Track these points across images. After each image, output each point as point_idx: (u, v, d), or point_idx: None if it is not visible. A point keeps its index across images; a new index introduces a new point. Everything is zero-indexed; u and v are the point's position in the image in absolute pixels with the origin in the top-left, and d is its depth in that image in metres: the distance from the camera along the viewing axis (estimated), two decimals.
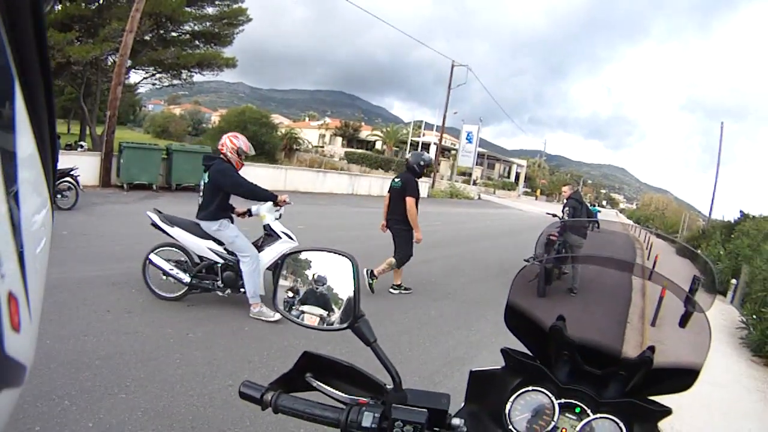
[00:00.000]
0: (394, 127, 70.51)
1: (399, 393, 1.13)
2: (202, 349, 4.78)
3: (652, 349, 1.18)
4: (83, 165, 13.10)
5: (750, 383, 6.52)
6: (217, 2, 26.75)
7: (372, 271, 7.87)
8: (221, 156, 6.04)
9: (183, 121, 63.57)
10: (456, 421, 1.12)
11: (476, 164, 54.29)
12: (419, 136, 62.94)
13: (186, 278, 5.79)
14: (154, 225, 5.85)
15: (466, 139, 48.79)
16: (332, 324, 1.21)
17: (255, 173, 21.12)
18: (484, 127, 50.20)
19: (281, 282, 1.29)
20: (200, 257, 5.92)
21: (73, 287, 5.91)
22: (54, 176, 0.77)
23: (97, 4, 23.33)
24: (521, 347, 1.30)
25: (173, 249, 5.98)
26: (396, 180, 8.06)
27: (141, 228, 10.10)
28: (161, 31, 25.49)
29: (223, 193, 5.95)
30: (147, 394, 3.84)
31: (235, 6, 27.16)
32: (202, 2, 26.29)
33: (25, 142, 0.63)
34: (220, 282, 5.91)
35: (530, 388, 1.20)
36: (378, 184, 31.33)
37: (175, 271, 5.79)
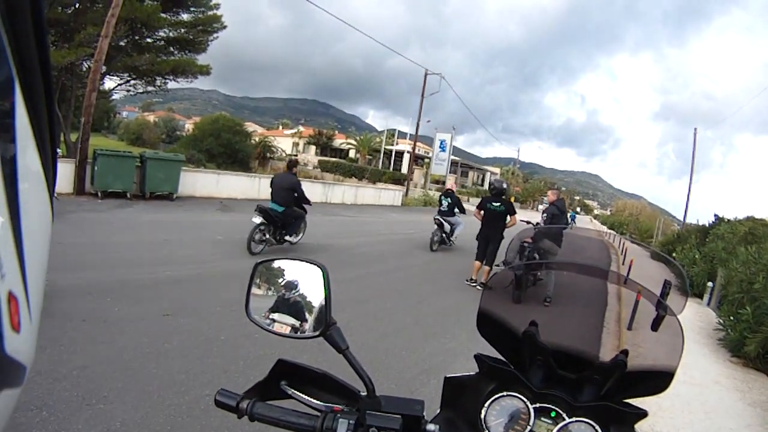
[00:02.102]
0: (368, 135, 70.43)
1: (373, 399, 1.14)
2: (179, 359, 4.75)
3: (625, 352, 1.20)
4: (58, 172, 12.70)
5: (729, 383, 6.64)
6: (192, 9, 26.62)
7: (484, 284, 9.76)
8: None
9: (157, 128, 62.80)
10: (431, 427, 1.13)
11: (450, 172, 54.35)
12: (393, 145, 62.98)
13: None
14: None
15: (440, 147, 48.83)
16: (304, 332, 1.22)
17: (228, 182, 20.98)
18: (459, 135, 50.44)
19: (253, 290, 1.29)
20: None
21: (48, 296, 5.79)
22: (54, 176, 0.77)
23: (73, 8, 23.00)
24: (496, 353, 1.32)
25: None
26: (496, 204, 10.38)
27: (116, 236, 10.03)
28: (136, 37, 25.23)
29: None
30: (125, 404, 3.81)
31: (209, 13, 27.03)
32: (177, 8, 26.12)
33: (25, 142, 0.64)
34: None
35: (505, 393, 1.22)
36: (352, 192, 31.17)
37: None
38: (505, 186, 10.80)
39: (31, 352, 0.69)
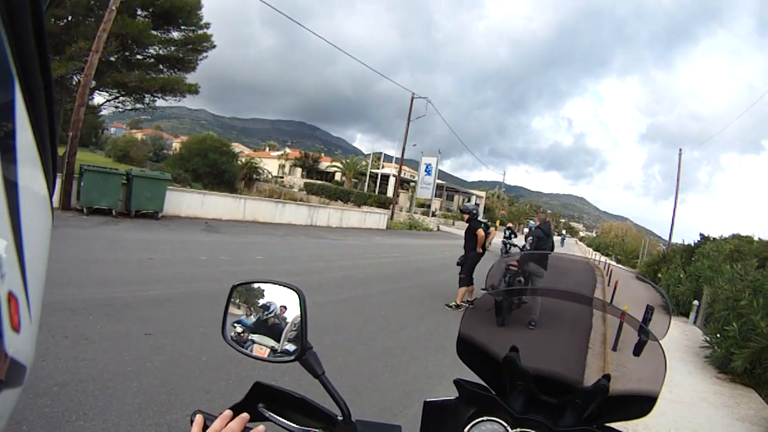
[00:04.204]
0: (354, 158, 70.70)
1: (348, 425, 1.13)
2: (160, 379, 4.69)
3: (607, 377, 1.18)
4: None
5: (716, 399, 6.67)
6: (182, 27, 26.72)
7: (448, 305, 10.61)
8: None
9: (144, 146, 62.51)
10: None
11: (435, 196, 54.54)
12: (379, 168, 63.16)
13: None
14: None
15: (425, 171, 49.08)
16: (281, 356, 1.21)
17: (214, 202, 20.91)
18: (446, 159, 50.85)
19: (231, 311, 1.27)
20: None
21: None
22: (54, 177, 0.77)
23: (65, 21, 23.05)
24: (476, 377, 1.30)
25: None
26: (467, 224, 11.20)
27: (101, 254, 9.96)
28: (126, 53, 25.37)
29: None
30: (105, 422, 3.75)
31: (200, 32, 27.14)
32: (168, 26, 26.28)
33: (26, 144, 0.63)
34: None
35: (485, 417, 1.20)
36: (337, 215, 31.17)
37: None
38: (471, 207, 11.48)
39: (31, 352, 0.70)
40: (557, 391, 1.23)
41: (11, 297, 0.58)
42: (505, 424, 1.18)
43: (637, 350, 1.33)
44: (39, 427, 3.52)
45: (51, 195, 0.77)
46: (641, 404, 1.17)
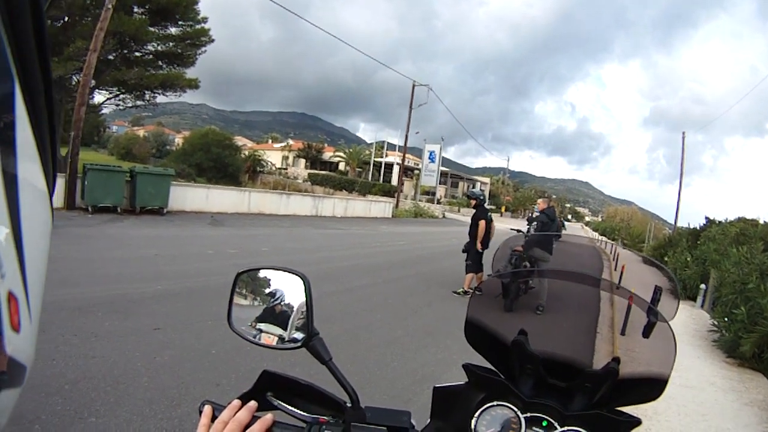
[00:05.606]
0: (357, 148, 70.58)
1: (357, 411, 1.12)
2: (170, 373, 4.72)
3: (617, 360, 1.17)
4: None
5: (725, 384, 6.65)
6: (180, 23, 26.63)
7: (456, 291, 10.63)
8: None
9: (147, 143, 62.40)
10: None
11: (440, 183, 54.48)
12: (382, 157, 63.06)
13: None
14: None
15: (429, 158, 49.00)
16: (288, 343, 1.20)
17: (218, 196, 20.91)
18: (449, 146, 50.88)
19: (236, 300, 1.26)
20: None
21: None
22: (54, 176, 0.76)
23: (62, 21, 23.02)
24: (485, 362, 1.29)
25: None
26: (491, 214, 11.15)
27: (107, 251, 9.98)
28: (125, 51, 25.28)
29: None
30: (117, 418, 3.78)
31: (197, 27, 27.05)
32: (165, 22, 26.17)
33: (25, 143, 0.63)
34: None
35: (495, 402, 1.19)
36: (342, 205, 31.22)
37: None
38: (477, 193, 11.63)
39: (31, 352, 0.69)
40: (566, 374, 1.22)
41: (11, 297, 0.58)
42: (515, 409, 1.17)
43: (646, 332, 1.31)
44: (52, 426, 3.54)
45: (51, 194, 0.76)
46: (651, 387, 1.16)
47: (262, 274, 1.28)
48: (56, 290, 6.63)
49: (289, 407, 1.16)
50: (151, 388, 4.36)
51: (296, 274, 1.22)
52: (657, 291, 1.98)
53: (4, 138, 0.58)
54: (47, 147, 0.70)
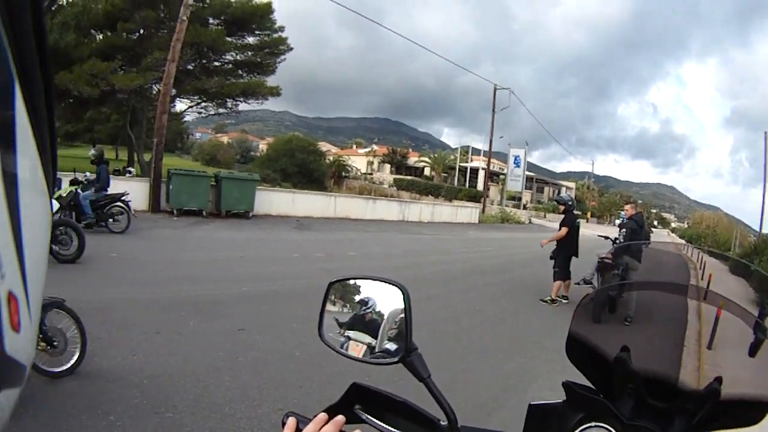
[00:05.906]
0: (442, 153, 70.67)
1: (454, 431, 1.06)
2: (252, 374, 4.77)
3: (719, 380, 1.09)
4: (133, 190, 13.38)
5: None
6: (257, 32, 27.28)
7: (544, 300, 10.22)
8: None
9: (231, 149, 64.66)
10: None
11: (525, 188, 53.81)
12: (467, 162, 62.80)
13: None
14: None
15: (514, 163, 48.50)
16: (382, 356, 1.15)
17: (304, 201, 21.30)
18: (533, 151, 50.34)
19: (328, 307, 1.23)
20: None
21: (123, 308, 6.04)
22: (54, 177, 0.78)
23: (138, 34, 24.16)
24: (581, 378, 1.22)
25: None
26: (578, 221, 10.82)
27: (192, 253, 10.31)
28: (204, 61, 26.17)
29: None
30: (194, 414, 3.84)
31: (275, 36, 27.62)
32: (242, 32, 26.88)
33: (26, 143, 0.64)
34: None
35: (593, 423, 1.12)
36: (428, 210, 31.20)
37: None
38: (566, 198, 11.57)
39: (30, 351, 0.71)
40: (661, 393, 1.15)
41: (11, 297, 0.58)
42: (614, 431, 1.09)
43: (753, 350, 1.21)
44: (126, 417, 3.62)
45: (51, 195, 0.79)
46: (752, 410, 1.06)
47: (357, 282, 1.24)
48: (142, 289, 6.90)
49: (379, 422, 1.11)
50: (232, 387, 4.41)
51: (395, 285, 1.16)
52: (765, 305, 1.82)
53: (4, 138, 0.59)
54: (47, 148, 0.72)
